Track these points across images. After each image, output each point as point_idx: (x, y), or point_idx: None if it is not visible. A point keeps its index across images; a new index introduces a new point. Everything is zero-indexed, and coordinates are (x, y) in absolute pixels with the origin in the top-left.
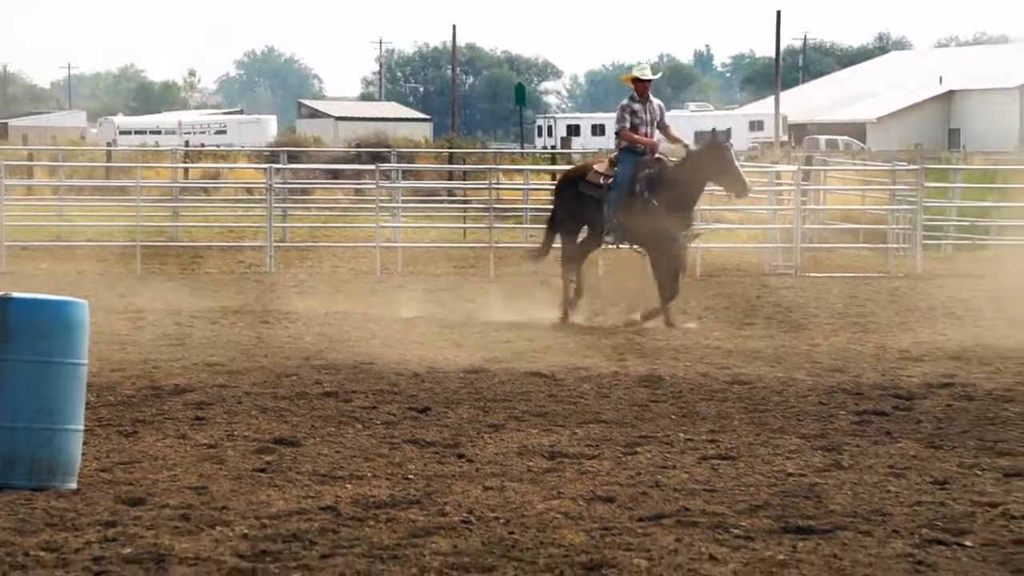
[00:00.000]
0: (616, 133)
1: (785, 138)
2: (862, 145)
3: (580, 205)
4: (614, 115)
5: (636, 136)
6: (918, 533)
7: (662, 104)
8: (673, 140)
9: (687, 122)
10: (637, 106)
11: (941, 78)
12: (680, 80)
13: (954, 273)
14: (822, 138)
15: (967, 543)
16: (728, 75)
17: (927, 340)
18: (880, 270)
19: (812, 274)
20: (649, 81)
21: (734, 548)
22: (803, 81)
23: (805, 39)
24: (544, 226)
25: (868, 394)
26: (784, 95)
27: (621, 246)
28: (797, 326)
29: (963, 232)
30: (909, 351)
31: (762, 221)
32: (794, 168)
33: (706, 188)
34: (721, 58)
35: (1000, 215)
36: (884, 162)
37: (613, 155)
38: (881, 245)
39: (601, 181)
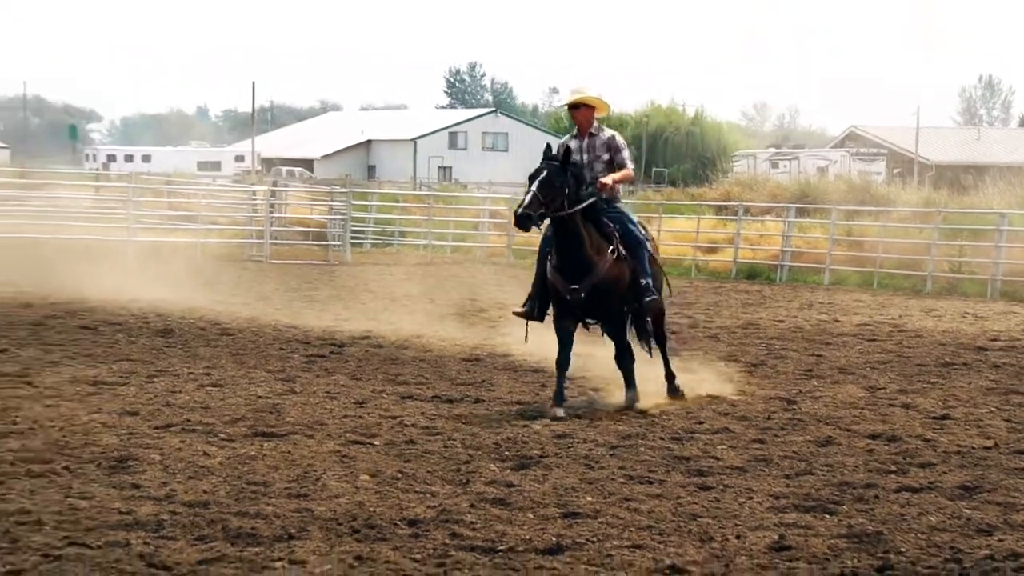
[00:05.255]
0: None
1: (260, 168)
2: (311, 174)
3: None
4: (141, 149)
5: None
6: (344, 436)
7: (614, 136)
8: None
9: (188, 156)
10: (573, 143)
11: (363, 131)
12: (186, 126)
13: (371, 262)
14: (284, 168)
15: (376, 442)
16: (220, 123)
17: (354, 306)
18: (323, 259)
19: (276, 261)
20: (586, 107)
21: (220, 447)
22: (272, 129)
23: (272, 101)
24: None
25: (314, 343)
26: (259, 138)
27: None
28: (263, 297)
29: (377, 235)
30: (341, 314)
31: (243, 224)
32: (265, 188)
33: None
34: (215, 111)
35: (401, 224)
36: (326, 186)
37: None
38: (323, 243)
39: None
